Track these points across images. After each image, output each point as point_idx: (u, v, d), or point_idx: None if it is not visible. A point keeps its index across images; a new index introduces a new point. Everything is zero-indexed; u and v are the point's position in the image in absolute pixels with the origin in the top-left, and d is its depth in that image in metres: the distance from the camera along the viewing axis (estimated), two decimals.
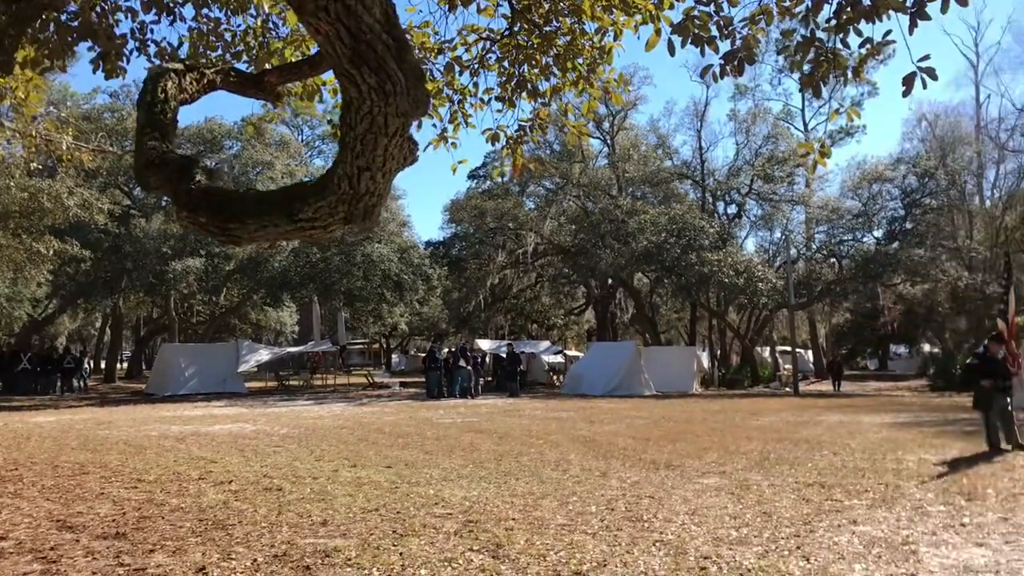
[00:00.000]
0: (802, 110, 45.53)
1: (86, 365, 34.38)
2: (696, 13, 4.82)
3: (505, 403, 23.54)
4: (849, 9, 4.27)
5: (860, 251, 36.86)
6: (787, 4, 4.83)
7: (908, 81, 4.14)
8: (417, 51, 6.23)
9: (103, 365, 45.41)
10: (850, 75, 4.65)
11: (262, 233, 3.69)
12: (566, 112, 7.07)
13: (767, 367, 41.25)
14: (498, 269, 38.99)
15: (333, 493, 8.29)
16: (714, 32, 4.86)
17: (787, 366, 38.71)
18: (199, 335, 41.81)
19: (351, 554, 5.84)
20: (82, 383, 31.65)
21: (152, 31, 6.23)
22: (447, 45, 6.61)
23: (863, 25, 4.31)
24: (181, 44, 6.38)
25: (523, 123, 6.76)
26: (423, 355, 35.77)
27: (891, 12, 4.10)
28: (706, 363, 36.69)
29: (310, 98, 6.57)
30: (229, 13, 6.50)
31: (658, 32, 5.36)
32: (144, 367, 47.83)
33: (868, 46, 4.42)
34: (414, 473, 9.64)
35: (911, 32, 3.97)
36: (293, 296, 38.39)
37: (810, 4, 4.45)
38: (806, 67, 4.57)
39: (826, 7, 4.42)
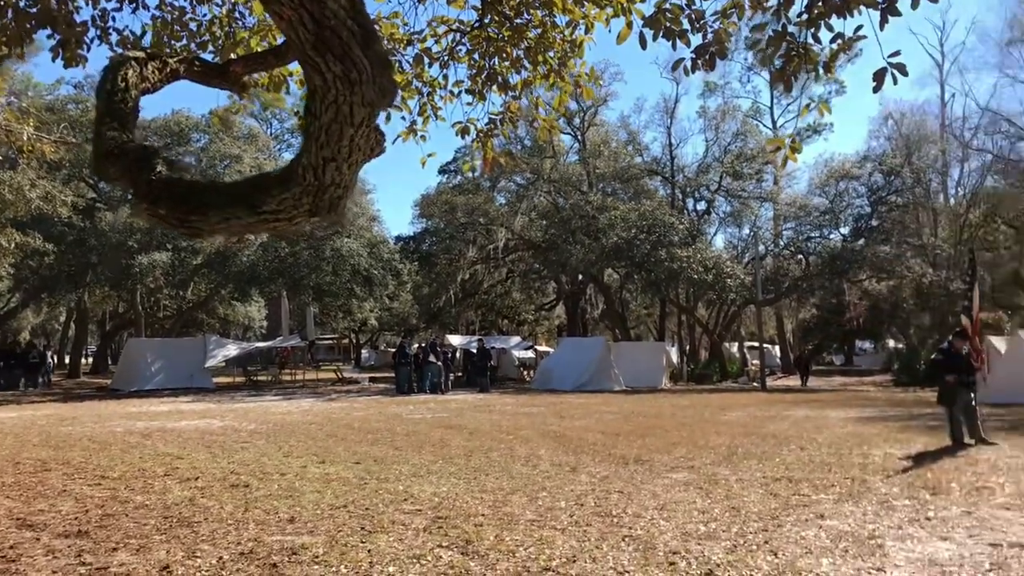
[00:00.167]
0: (771, 108, 45.95)
1: (49, 360, 33.81)
2: (668, 6, 4.80)
3: (475, 398, 23.51)
4: (821, 4, 4.27)
5: (827, 248, 37.24)
6: None
7: (879, 76, 4.16)
8: (386, 42, 6.13)
9: (67, 360, 44.68)
10: (821, 70, 4.65)
11: (224, 226, 3.59)
12: (537, 107, 7.01)
13: (735, 362, 41.65)
14: (469, 264, 38.91)
15: (301, 489, 8.22)
16: (686, 26, 4.84)
17: (755, 361, 39.08)
18: (166, 330, 41.30)
19: (319, 551, 5.78)
20: (46, 378, 31.14)
21: (114, 19, 6.05)
22: (416, 36, 6.52)
23: (834, 20, 4.33)
24: (144, 33, 6.21)
25: (493, 116, 6.69)
26: (393, 350, 35.64)
27: (862, 7, 4.11)
28: (675, 358, 36.90)
29: (276, 89, 6.45)
30: (194, 2, 6.36)
31: (629, 25, 5.32)
32: (110, 362, 47.18)
33: (839, 41, 4.43)
34: (383, 469, 9.58)
35: (882, 27, 3.98)
36: (261, 291, 38.04)
37: None
38: (777, 62, 4.55)
39: (797, 1, 4.42)
